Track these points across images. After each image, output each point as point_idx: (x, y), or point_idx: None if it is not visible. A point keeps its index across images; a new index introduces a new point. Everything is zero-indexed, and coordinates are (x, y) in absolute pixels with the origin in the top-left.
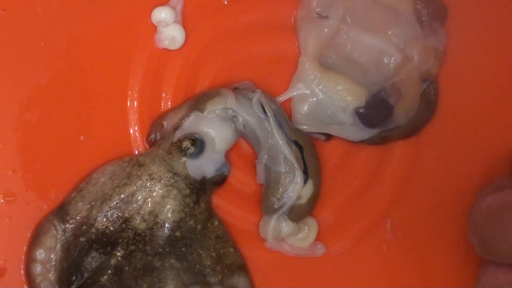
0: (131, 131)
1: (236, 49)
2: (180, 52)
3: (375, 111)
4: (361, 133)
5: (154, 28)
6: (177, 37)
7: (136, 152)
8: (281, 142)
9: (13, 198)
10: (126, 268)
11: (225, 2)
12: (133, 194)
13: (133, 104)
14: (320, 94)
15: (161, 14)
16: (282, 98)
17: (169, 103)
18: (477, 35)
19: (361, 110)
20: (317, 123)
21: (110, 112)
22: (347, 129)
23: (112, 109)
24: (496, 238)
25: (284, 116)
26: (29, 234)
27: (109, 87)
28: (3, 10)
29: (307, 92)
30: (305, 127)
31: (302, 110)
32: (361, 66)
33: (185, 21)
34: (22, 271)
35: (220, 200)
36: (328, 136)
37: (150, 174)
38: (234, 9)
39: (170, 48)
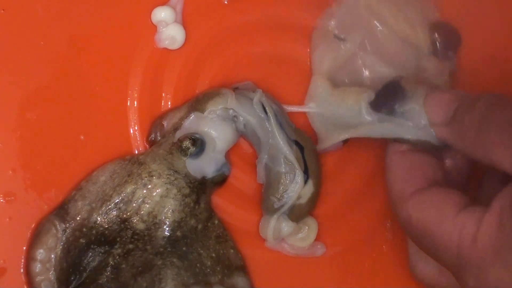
0: (131, 131)
1: (236, 49)
2: (180, 52)
3: (386, 93)
4: (381, 128)
5: (154, 28)
6: (177, 37)
7: (136, 151)
8: (281, 142)
9: (13, 198)
10: (123, 266)
11: (225, 2)
12: (133, 193)
13: (133, 104)
14: (334, 108)
15: (161, 14)
16: (292, 109)
17: (169, 103)
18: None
19: (373, 101)
20: (340, 132)
21: (110, 112)
22: (370, 126)
23: (112, 109)
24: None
25: (285, 116)
26: (29, 234)
27: (109, 87)
28: (3, 10)
29: (320, 111)
30: (331, 143)
31: (325, 129)
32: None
33: (185, 21)
34: (22, 270)
35: (220, 200)
36: (346, 140)
37: (150, 172)
38: (234, 9)
39: (170, 48)
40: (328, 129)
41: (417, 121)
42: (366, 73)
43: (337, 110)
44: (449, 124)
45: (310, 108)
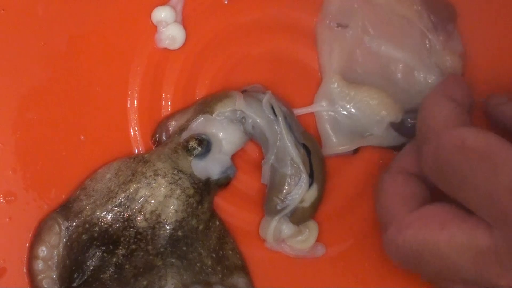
0: (131, 131)
1: (236, 49)
2: (180, 52)
3: (411, 124)
4: (398, 139)
5: (154, 28)
6: (177, 37)
7: (136, 151)
8: (289, 144)
9: (13, 198)
10: (127, 266)
11: (225, 2)
12: (136, 191)
13: (133, 104)
14: (352, 109)
15: (161, 14)
16: (302, 111)
17: (169, 103)
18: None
19: (396, 123)
20: (352, 139)
21: (110, 112)
22: (384, 137)
23: (112, 109)
24: None
25: (294, 118)
26: (29, 234)
27: (109, 87)
28: (3, 10)
29: (331, 111)
30: (341, 148)
31: (336, 132)
32: (389, 79)
33: (185, 21)
34: (24, 268)
35: (221, 201)
36: (356, 150)
37: (155, 170)
38: (234, 9)
39: (170, 48)
40: (339, 131)
41: None
42: (375, 58)
43: (355, 113)
44: None
45: (321, 107)
